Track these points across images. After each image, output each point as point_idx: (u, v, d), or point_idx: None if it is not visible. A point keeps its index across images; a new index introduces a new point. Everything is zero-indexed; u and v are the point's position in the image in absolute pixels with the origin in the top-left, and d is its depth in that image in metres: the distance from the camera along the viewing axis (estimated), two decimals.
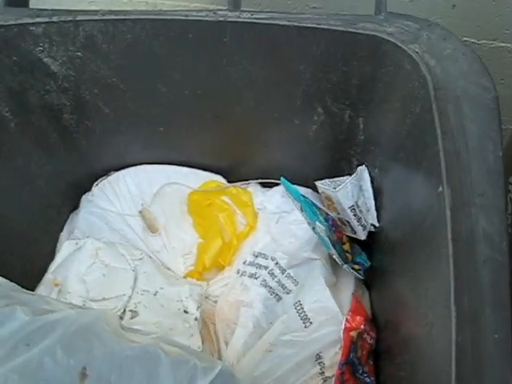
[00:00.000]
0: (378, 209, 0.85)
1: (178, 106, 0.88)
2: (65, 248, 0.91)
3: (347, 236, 0.90)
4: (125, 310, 0.83)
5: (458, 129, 0.64)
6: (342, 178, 0.86)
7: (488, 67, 0.92)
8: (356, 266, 0.88)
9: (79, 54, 0.80)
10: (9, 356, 0.53)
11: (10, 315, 0.57)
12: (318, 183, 0.87)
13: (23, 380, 0.52)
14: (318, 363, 0.80)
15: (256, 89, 0.83)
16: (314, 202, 0.89)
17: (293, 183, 0.91)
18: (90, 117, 0.90)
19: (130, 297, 0.85)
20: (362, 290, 0.92)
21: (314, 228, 0.85)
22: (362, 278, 0.88)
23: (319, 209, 0.87)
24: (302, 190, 0.93)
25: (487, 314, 0.57)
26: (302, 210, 0.87)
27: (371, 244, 0.90)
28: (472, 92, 0.66)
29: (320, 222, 0.82)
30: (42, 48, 0.80)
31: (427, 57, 0.69)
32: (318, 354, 0.80)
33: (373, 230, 0.86)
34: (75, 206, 1.04)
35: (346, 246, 0.89)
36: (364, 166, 0.85)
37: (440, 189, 0.61)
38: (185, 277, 0.96)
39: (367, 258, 0.92)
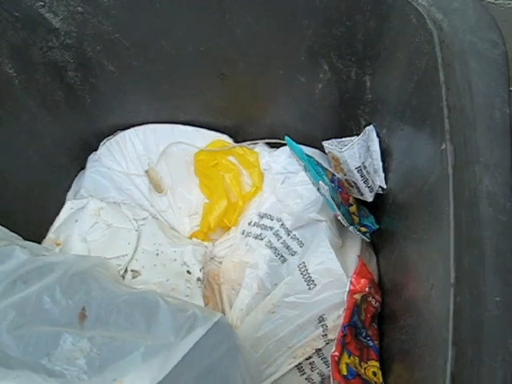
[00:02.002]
0: (385, 170, 0.83)
1: (182, 63, 0.86)
2: (67, 208, 0.91)
3: (354, 198, 0.89)
4: (126, 270, 0.83)
5: (463, 84, 0.62)
6: (349, 138, 0.84)
7: (505, 28, 0.88)
8: (362, 229, 0.86)
9: (80, 8, 0.78)
10: (6, 292, 0.54)
11: (8, 254, 0.57)
12: (325, 143, 0.85)
13: (21, 316, 0.53)
14: (321, 325, 0.79)
15: (260, 45, 0.81)
16: (320, 162, 0.87)
17: (300, 143, 0.89)
18: (94, 74, 0.89)
19: (132, 257, 0.85)
20: (370, 254, 0.90)
21: (318, 189, 0.83)
22: (369, 240, 0.87)
23: (325, 169, 0.86)
24: (309, 151, 0.92)
25: (489, 277, 0.56)
26: (306, 169, 0.85)
27: (379, 206, 0.88)
28: (480, 47, 0.64)
29: (324, 181, 0.80)
30: (42, 3, 0.78)
31: (434, 10, 0.66)
32: (321, 316, 0.79)
33: (380, 192, 0.84)
34: (82, 166, 1.03)
35: (353, 208, 0.87)
36: (372, 126, 0.83)
37: (443, 146, 0.59)
38: (190, 237, 0.95)
39: (375, 220, 0.90)
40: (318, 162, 0.85)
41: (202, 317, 0.58)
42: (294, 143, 0.85)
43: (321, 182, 0.80)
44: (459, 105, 0.61)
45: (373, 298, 0.81)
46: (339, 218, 0.82)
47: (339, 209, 0.81)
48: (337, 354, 0.73)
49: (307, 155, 0.84)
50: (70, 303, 0.54)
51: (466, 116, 0.60)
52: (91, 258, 0.64)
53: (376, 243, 0.91)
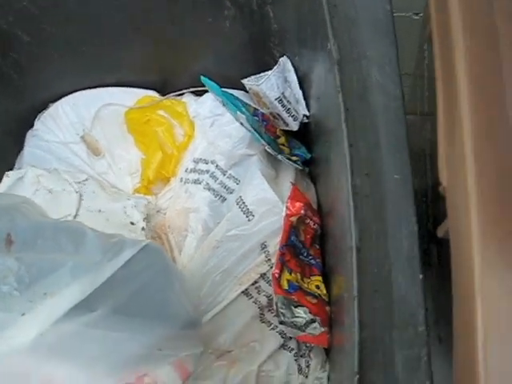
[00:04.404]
0: (306, 98, 0.85)
1: (95, 23, 0.88)
2: (6, 179, 0.91)
3: (282, 130, 0.91)
4: None
5: None
6: (267, 72, 0.86)
7: None
8: (293, 158, 0.89)
9: None
10: None
11: None
12: (244, 80, 0.87)
13: None
14: (264, 252, 0.83)
15: None
16: (239, 97, 0.89)
17: (224, 87, 0.92)
18: (12, 48, 0.90)
19: (74, 216, 0.87)
20: (307, 183, 0.93)
21: (242, 123, 0.85)
22: (301, 168, 0.89)
23: (246, 104, 0.88)
24: (236, 93, 0.94)
25: (385, 157, 0.59)
26: (224, 105, 0.87)
27: (307, 136, 0.91)
28: None
29: (240, 111, 0.83)
30: None
31: None
32: (263, 243, 0.83)
33: (306, 120, 0.87)
34: (23, 145, 1.05)
35: (282, 140, 0.90)
36: (285, 56, 0.86)
37: (328, 46, 0.62)
38: (133, 194, 0.98)
39: (307, 150, 0.93)
40: (237, 98, 0.88)
41: (130, 241, 0.60)
42: (210, 82, 0.88)
43: (238, 113, 0.82)
44: (342, 8, 0.64)
45: (311, 220, 0.84)
46: (266, 148, 0.85)
47: (263, 138, 0.84)
48: (277, 271, 0.76)
49: (222, 90, 0.86)
50: None
51: (350, 17, 0.64)
52: (16, 195, 0.65)
53: (314, 174, 0.94)
